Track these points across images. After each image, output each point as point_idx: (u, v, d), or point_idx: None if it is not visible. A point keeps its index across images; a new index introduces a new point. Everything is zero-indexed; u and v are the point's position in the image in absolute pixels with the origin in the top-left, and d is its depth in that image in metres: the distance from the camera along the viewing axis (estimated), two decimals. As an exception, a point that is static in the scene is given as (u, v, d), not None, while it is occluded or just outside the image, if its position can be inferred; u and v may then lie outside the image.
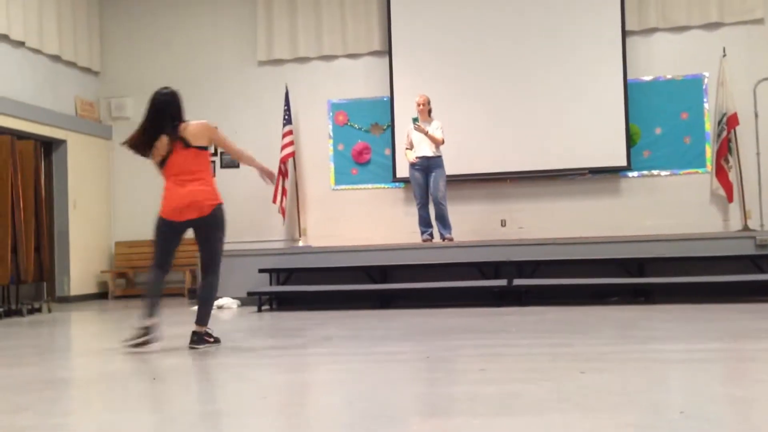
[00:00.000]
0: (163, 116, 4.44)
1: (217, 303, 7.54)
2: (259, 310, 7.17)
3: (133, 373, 3.75)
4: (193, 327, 4.53)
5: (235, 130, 10.05)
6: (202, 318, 4.53)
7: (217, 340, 4.60)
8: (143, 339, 4.35)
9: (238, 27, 10.17)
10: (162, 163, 4.49)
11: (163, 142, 4.44)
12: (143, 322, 4.40)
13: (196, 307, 4.56)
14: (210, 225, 4.47)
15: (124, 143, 4.55)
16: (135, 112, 10.34)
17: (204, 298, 4.59)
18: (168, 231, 4.50)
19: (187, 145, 4.43)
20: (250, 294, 7.35)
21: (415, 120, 8.01)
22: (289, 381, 3.63)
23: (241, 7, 10.15)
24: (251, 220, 9.81)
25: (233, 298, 7.68)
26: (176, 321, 6.72)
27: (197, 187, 4.44)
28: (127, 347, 4.36)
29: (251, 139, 10.01)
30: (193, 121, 4.52)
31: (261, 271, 7.67)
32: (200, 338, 4.49)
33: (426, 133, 7.77)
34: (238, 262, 7.96)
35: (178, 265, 9.70)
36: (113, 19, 10.49)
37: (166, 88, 4.59)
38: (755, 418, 2.48)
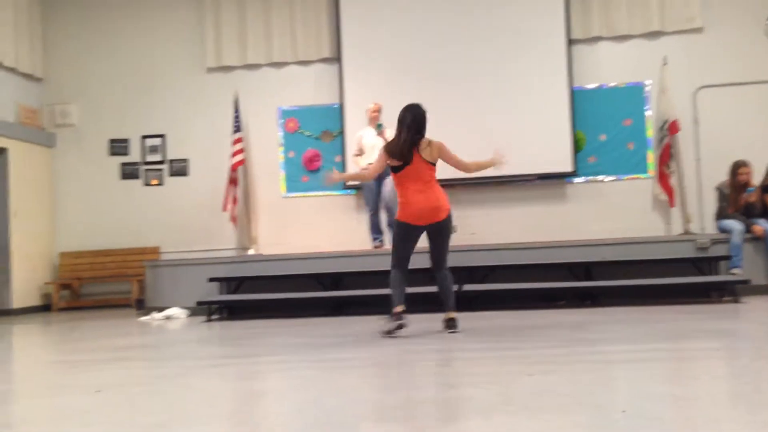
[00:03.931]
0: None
1: (164, 313, 7.45)
2: (209, 320, 7.08)
3: (76, 386, 3.66)
4: (449, 314, 5.13)
5: (183, 138, 9.98)
6: (453, 305, 5.19)
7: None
8: (396, 324, 4.91)
9: (186, 33, 10.04)
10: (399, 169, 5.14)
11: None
12: (394, 309, 4.96)
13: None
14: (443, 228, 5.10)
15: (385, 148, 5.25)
16: (80, 119, 10.15)
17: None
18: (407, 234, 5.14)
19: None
20: (199, 303, 7.26)
21: (379, 126, 7.99)
22: (237, 389, 3.59)
23: (189, 13, 10.03)
24: (201, 229, 9.70)
25: (182, 308, 7.58)
26: (122, 332, 6.61)
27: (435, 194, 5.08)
28: (383, 335, 4.93)
29: (201, 147, 9.93)
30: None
31: (211, 279, 7.59)
32: (454, 323, 5.12)
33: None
34: (188, 272, 7.87)
35: (126, 276, 9.57)
36: (57, 25, 10.24)
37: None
38: (692, 415, 2.55)
